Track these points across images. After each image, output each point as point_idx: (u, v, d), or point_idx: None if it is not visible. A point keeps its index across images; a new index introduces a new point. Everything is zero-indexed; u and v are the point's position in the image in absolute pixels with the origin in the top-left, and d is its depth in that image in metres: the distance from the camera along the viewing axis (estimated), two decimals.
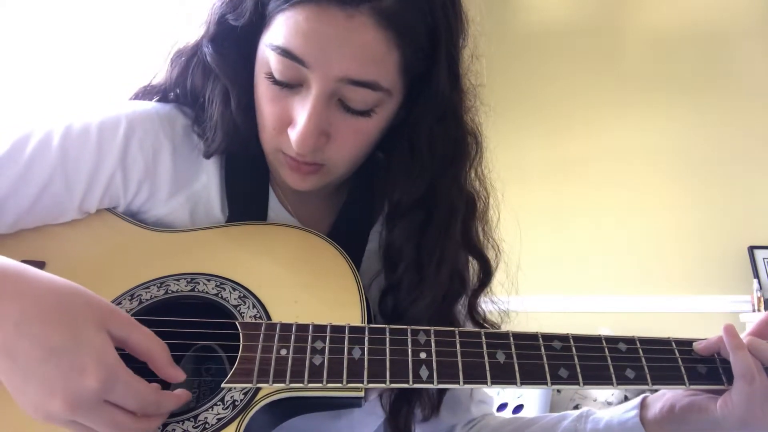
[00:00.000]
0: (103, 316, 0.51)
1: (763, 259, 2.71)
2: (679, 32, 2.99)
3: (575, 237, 2.99)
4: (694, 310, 2.70)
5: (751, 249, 2.73)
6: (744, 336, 0.63)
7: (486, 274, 0.77)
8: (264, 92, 0.65)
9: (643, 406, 0.70)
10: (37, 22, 1.54)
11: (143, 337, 0.53)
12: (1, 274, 0.49)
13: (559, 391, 2.46)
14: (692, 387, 0.61)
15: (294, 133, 0.63)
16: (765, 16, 2.87)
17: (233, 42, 0.67)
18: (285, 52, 0.60)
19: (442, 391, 0.76)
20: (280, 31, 0.60)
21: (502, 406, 2.38)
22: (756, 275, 2.67)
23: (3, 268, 0.50)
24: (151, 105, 0.73)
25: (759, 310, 2.58)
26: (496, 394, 2.32)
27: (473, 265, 0.78)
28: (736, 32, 2.91)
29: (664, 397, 0.68)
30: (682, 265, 2.81)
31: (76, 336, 0.48)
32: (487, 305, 0.79)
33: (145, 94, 0.76)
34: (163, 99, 0.76)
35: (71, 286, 0.51)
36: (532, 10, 3.37)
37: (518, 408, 2.35)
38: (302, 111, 0.62)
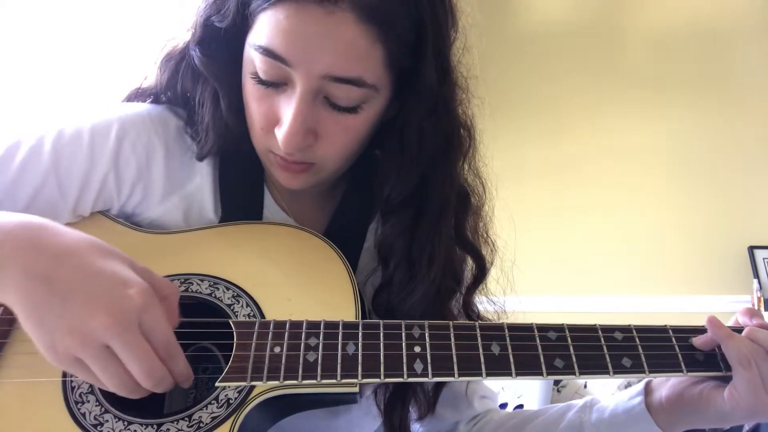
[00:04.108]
0: (131, 263, 0.54)
1: (763, 259, 2.70)
2: (679, 32, 2.99)
3: (574, 237, 2.98)
4: (694, 310, 2.68)
5: (751, 249, 2.71)
6: (729, 325, 0.63)
7: (480, 270, 0.76)
8: (251, 92, 0.65)
9: (647, 391, 0.69)
10: (37, 22, 1.55)
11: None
12: (37, 224, 0.52)
13: (559, 391, 2.44)
14: (690, 374, 0.61)
15: (280, 133, 0.63)
16: (765, 16, 2.87)
17: (220, 44, 0.67)
18: (267, 52, 0.60)
19: (438, 389, 0.75)
20: (263, 30, 0.60)
21: (502, 406, 2.36)
22: (756, 275, 2.66)
23: (38, 220, 0.53)
24: (143, 107, 0.73)
25: (759, 310, 2.58)
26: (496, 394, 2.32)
27: (469, 263, 0.77)
28: (736, 32, 2.90)
29: (669, 383, 0.67)
30: (682, 265, 2.79)
31: (116, 266, 0.51)
32: (483, 305, 0.78)
33: (137, 96, 0.76)
34: (156, 101, 0.76)
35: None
36: (533, 10, 3.38)
37: (518, 408, 2.34)
38: (288, 110, 0.62)
